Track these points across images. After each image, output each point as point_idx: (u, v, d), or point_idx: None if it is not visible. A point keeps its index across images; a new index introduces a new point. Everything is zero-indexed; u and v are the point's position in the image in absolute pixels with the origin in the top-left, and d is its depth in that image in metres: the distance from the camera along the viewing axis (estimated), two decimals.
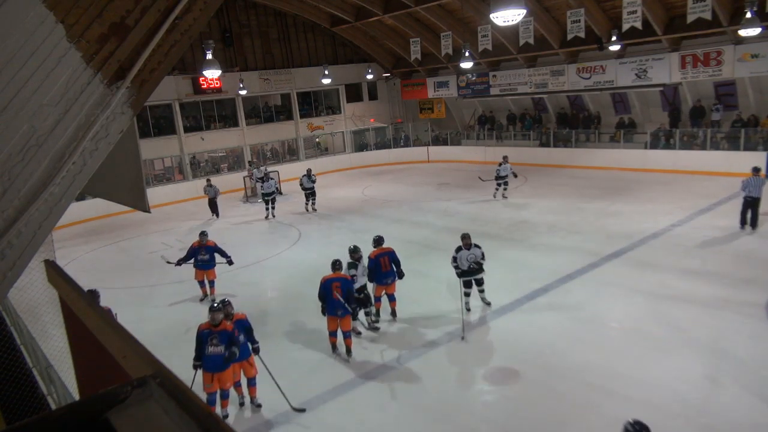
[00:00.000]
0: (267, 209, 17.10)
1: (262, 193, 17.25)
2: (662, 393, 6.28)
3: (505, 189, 16.69)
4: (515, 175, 16.60)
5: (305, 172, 17.40)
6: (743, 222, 11.60)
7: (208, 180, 18.40)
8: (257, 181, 20.54)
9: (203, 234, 10.68)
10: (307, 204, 17.48)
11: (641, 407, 6.07)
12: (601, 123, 21.62)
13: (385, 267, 8.72)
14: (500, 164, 16.52)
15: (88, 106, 2.39)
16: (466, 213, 15.65)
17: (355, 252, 8.56)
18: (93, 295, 7.14)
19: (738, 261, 10.06)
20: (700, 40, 17.59)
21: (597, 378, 6.73)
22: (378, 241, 8.99)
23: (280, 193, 20.79)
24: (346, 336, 7.85)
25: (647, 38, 17.97)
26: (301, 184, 17.30)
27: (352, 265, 8.45)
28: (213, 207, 17.84)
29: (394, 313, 9.04)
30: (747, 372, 6.56)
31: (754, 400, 6.07)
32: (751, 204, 11.37)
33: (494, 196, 16.71)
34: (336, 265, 7.98)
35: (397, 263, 8.82)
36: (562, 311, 8.68)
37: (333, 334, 7.95)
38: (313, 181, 17.32)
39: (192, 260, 10.42)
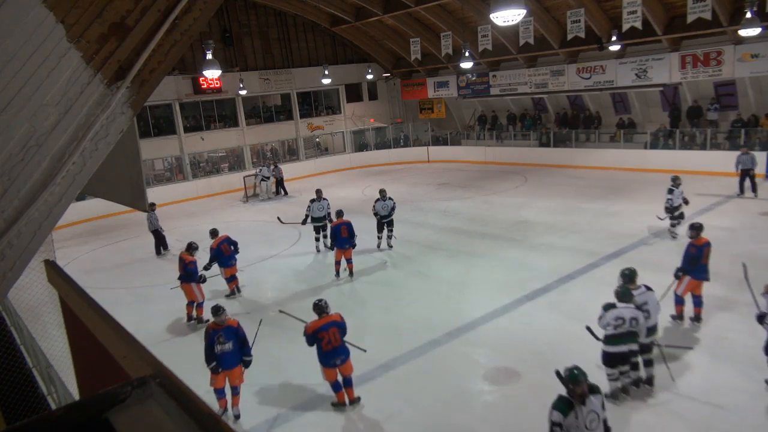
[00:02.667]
0: (317, 238, 12.91)
1: (312, 218, 12.63)
2: (662, 392, 6.28)
3: (678, 224, 11.52)
4: (686, 202, 11.44)
5: (379, 195, 12.59)
6: (742, 189, 14.42)
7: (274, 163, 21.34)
8: (263, 180, 20.56)
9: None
10: (380, 238, 12.68)
11: (640, 407, 6.08)
12: (601, 123, 21.62)
13: (343, 234, 10.77)
14: (670, 189, 11.38)
15: (88, 106, 2.39)
16: (466, 213, 15.65)
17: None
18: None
19: (738, 261, 10.02)
20: (700, 40, 17.59)
21: (597, 378, 6.72)
22: (339, 213, 11.21)
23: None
24: (348, 383, 6.65)
25: (647, 38, 17.97)
26: (375, 213, 12.46)
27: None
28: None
29: (351, 273, 11.15)
30: (747, 372, 6.56)
31: (754, 400, 6.07)
32: (746, 174, 14.31)
33: (672, 235, 11.53)
34: (318, 308, 6.59)
35: (352, 234, 10.88)
36: (562, 311, 8.68)
37: (335, 387, 6.60)
38: (391, 207, 12.41)
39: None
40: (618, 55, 19.33)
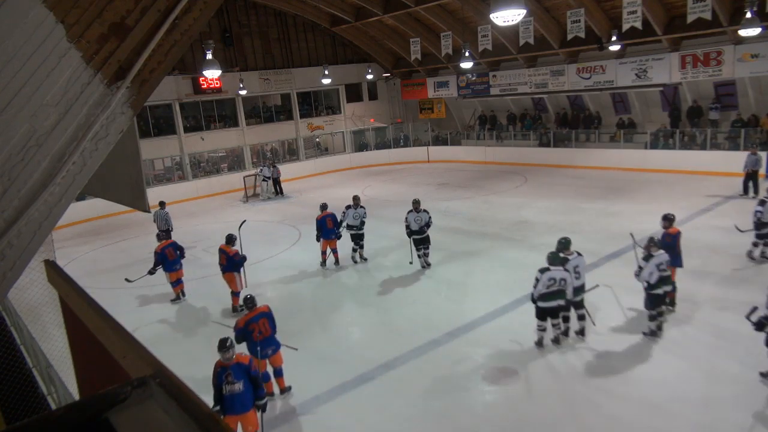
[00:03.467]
0: (355, 249, 11.91)
1: (348, 225, 11.69)
2: (662, 392, 6.28)
3: (763, 244, 9.98)
4: None
5: (412, 206, 11.11)
6: (746, 190, 14.47)
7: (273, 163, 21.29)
8: (263, 180, 20.56)
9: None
10: (419, 256, 11.20)
11: (641, 407, 6.08)
12: (601, 123, 21.62)
13: (329, 225, 11.47)
14: (762, 201, 9.83)
15: (88, 106, 2.39)
16: (466, 213, 15.65)
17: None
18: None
19: (738, 261, 10.06)
20: (700, 40, 17.59)
21: (597, 378, 6.73)
22: (323, 206, 11.70)
23: (279, 195, 20.81)
24: (278, 374, 7.03)
25: (647, 38, 17.96)
26: (407, 226, 11.10)
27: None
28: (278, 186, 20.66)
29: (336, 262, 11.86)
30: (747, 372, 6.56)
31: (755, 400, 6.07)
32: (750, 176, 14.36)
33: (751, 256, 10.04)
34: (249, 301, 6.94)
35: (337, 225, 11.56)
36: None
37: (265, 377, 6.78)
38: (426, 221, 10.97)
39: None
40: (618, 55, 19.33)
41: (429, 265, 11.13)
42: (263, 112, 25.89)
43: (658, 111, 20.18)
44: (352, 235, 11.78)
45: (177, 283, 10.66)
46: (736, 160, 15.59)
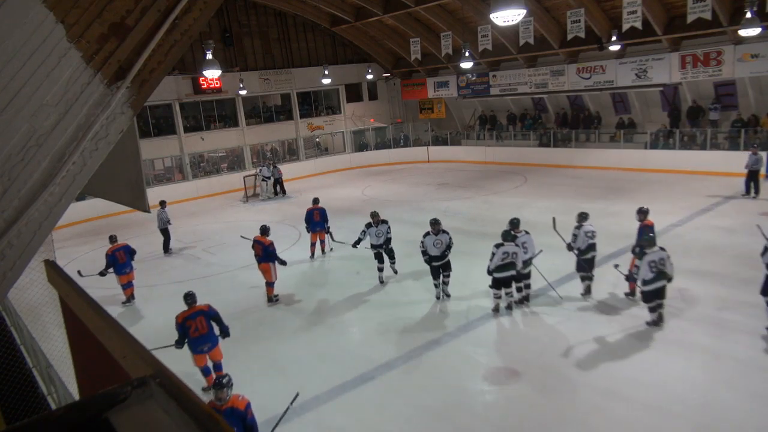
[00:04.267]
0: (380, 268, 10.72)
1: (372, 245, 10.70)
2: (662, 393, 6.28)
3: None
4: None
5: (430, 227, 9.35)
6: (747, 190, 14.43)
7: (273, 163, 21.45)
8: (263, 180, 20.56)
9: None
10: (437, 285, 9.63)
11: (641, 407, 6.08)
12: (601, 123, 21.62)
13: (316, 218, 12.19)
14: None
15: (88, 106, 2.39)
16: (466, 213, 15.64)
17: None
18: None
19: (738, 261, 10.06)
20: (700, 40, 17.59)
21: (597, 378, 6.73)
22: (315, 200, 12.53)
23: (281, 193, 20.83)
24: (217, 368, 7.19)
25: (647, 38, 17.97)
26: (424, 251, 9.41)
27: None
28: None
29: (323, 251, 12.59)
30: (747, 372, 6.56)
31: (755, 400, 6.07)
32: (751, 175, 14.33)
33: None
34: (189, 298, 7.18)
35: (326, 218, 12.26)
36: (563, 311, 8.68)
37: (205, 371, 7.28)
38: (447, 244, 9.31)
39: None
40: (618, 55, 19.33)
41: (449, 296, 9.59)
42: (263, 112, 25.89)
43: (658, 111, 20.18)
44: (376, 254, 10.62)
45: (127, 286, 10.79)
46: (736, 160, 15.61)
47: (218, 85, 22.88)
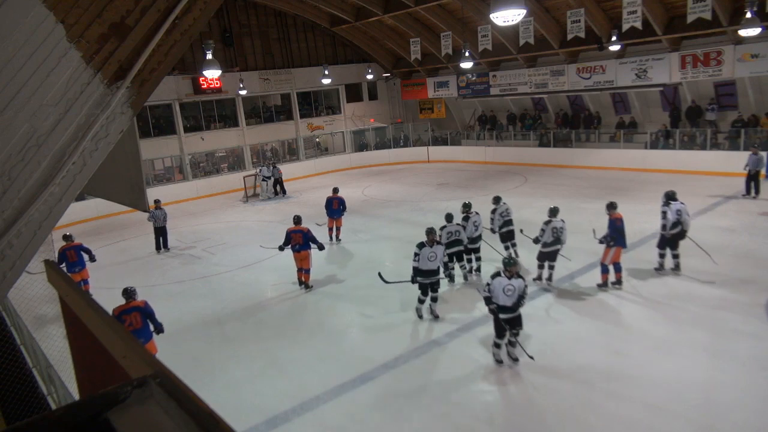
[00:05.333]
0: (422, 300, 8.82)
1: (420, 271, 8.54)
2: (662, 393, 6.28)
3: None
4: None
5: (462, 210, 10.31)
6: (747, 190, 14.46)
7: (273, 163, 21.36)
8: (263, 180, 20.56)
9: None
10: (463, 267, 10.31)
11: (641, 407, 6.08)
12: (601, 123, 21.62)
13: (335, 207, 13.52)
14: None
15: (88, 106, 2.39)
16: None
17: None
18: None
19: (738, 261, 10.06)
20: (700, 40, 17.59)
21: (597, 378, 6.73)
22: (335, 190, 13.96)
23: (282, 193, 20.83)
24: None
25: (647, 38, 17.97)
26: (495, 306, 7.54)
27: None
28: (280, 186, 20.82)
29: (338, 238, 13.78)
30: (747, 372, 6.56)
31: (755, 400, 6.07)
32: (752, 176, 14.33)
33: None
34: (126, 293, 7.34)
35: (344, 207, 13.66)
36: (563, 311, 8.68)
37: None
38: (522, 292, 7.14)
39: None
40: (618, 55, 19.33)
41: (437, 317, 8.82)
42: (263, 112, 25.89)
43: (658, 111, 20.18)
44: (423, 284, 8.71)
45: (79, 284, 10.78)
46: (737, 160, 15.62)
47: (218, 85, 22.88)
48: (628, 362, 7.01)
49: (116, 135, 2.50)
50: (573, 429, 5.93)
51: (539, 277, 9.78)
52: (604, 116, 21.62)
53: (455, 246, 9.88)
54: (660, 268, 9.78)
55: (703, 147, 18.20)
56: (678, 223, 9.44)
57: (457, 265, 10.13)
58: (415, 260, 8.52)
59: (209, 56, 13.77)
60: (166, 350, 7.14)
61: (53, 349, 6.10)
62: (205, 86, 22.64)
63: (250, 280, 11.56)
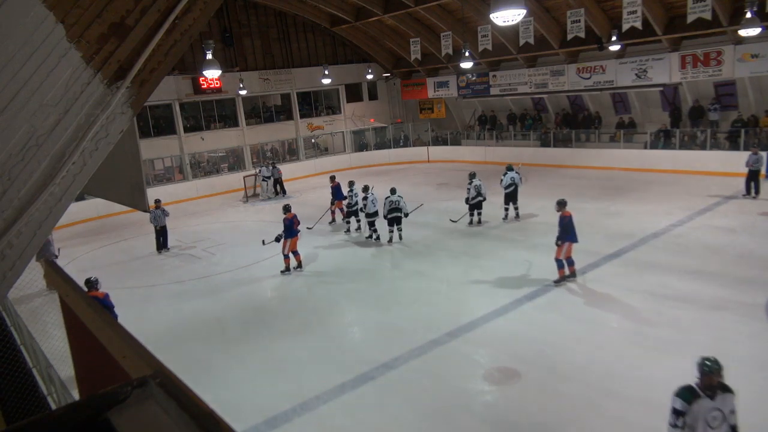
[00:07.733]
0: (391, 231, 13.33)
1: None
2: (662, 393, 6.26)
3: None
4: None
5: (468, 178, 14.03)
6: (747, 190, 14.45)
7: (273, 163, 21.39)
8: (263, 180, 20.57)
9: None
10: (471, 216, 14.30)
11: (641, 407, 6.08)
12: (601, 123, 21.61)
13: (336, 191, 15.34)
14: None
15: (88, 106, 2.39)
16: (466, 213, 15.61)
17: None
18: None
19: (738, 261, 10.06)
20: (700, 40, 17.59)
21: (597, 378, 6.73)
22: (332, 177, 15.53)
23: (282, 193, 20.84)
24: None
25: (647, 38, 17.96)
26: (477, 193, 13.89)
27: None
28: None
29: (358, 228, 14.47)
30: (747, 372, 6.56)
31: (755, 400, 6.07)
32: (752, 175, 14.36)
33: None
34: (89, 283, 7.47)
35: (340, 191, 15.14)
36: (563, 311, 8.68)
37: None
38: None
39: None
40: (618, 55, 19.33)
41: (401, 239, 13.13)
42: (263, 112, 25.89)
43: (658, 111, 20.18)
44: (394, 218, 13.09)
45: None
46: (737, 160, 15.61)
47: (218, 85, 22.88)
48: (628, 362, 7.01)
49: (116, 135, 2.50)
50: (573, 429, 5.93)
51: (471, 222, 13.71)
52: (604, 116, 21.61)
53: (394, 213, 12.76)
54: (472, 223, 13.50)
55: (703, 147, 18.19)
56: (478, 194, 13.16)
57: (395, 228, 12.87)
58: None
59: (209, 56, 13.77)
60: (166, 350, 7.14)
61: (53, 349, 6.09)
62: (205, 86, 22.63)
63: (250, 280, 11.56)
